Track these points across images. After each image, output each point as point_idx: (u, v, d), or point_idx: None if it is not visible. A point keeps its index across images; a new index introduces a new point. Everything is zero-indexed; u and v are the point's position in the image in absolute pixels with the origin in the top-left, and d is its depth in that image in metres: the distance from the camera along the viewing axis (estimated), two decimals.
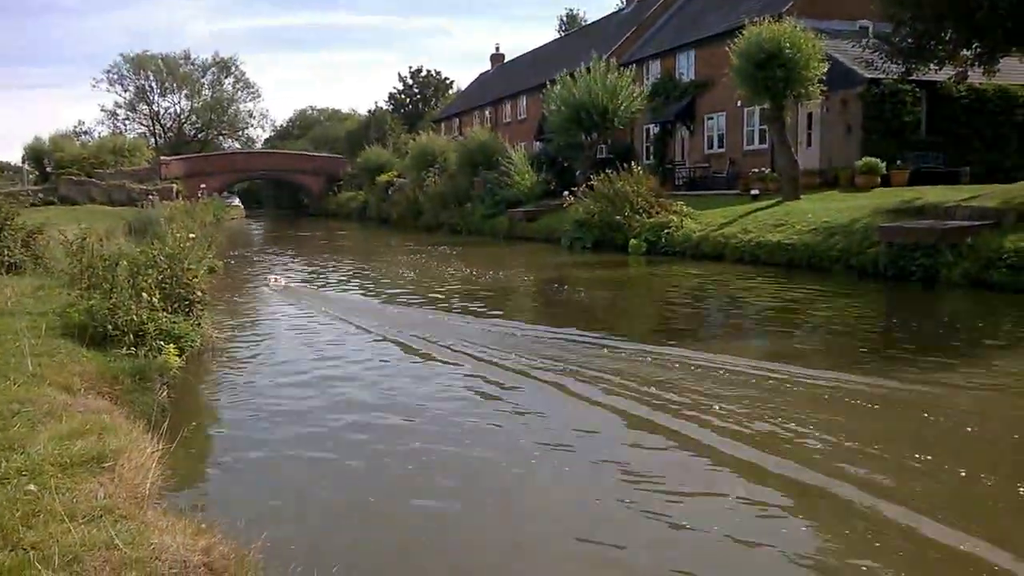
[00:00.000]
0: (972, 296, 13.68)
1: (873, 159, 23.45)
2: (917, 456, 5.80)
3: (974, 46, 18.18)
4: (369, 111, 76.54)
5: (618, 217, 23.58)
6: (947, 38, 17.98)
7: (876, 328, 11.79)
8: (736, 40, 22.95)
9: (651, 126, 36.49)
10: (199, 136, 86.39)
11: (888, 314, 13.12)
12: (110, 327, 8.22)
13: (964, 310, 12.99)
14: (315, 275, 20.07)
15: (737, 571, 4.39)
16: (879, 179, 23.23)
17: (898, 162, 23.98)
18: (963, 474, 5.51)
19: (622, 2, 51.26)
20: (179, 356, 8.40)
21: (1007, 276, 13.71)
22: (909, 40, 18.46)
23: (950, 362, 8.85)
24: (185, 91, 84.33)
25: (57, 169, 47.33)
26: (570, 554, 4.56)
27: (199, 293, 10.01)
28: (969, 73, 20.01)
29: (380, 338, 11.01)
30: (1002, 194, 16.79)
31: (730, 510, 5.02)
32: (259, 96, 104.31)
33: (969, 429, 6.60)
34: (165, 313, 9.05)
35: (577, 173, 30.69)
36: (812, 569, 4.33)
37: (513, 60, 61.91)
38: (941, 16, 17.20)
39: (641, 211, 23.50)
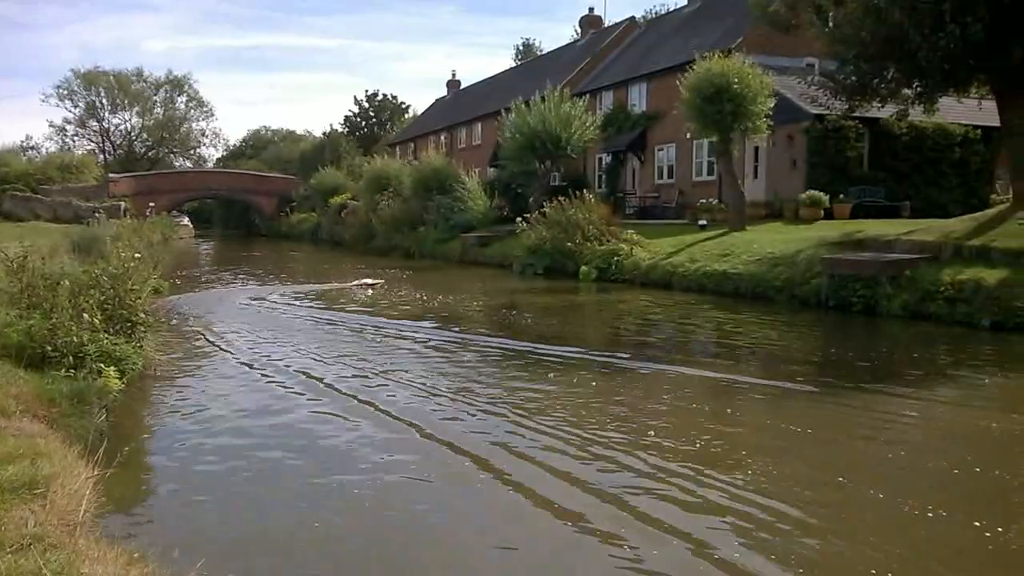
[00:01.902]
0: (910, 327, 14.08)
1: (817, 192, 24.08)
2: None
3: (915, 85, 18.85)
4: (324, 133, 76.21)
5: (570, 244, 23.80)
6: (889, 77, 18.64)
7: (812, 355, 12.08)
8: (686, 74, 23.46)
9: (603, 155, 37.02)
10: (149, 154, 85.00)
11: (825, 343, 13.44)
12: (49, 348, 8.06)
13: (901, 340, 13.36)
14: (263, 298, 19.83)
15: None
16: (823, 212, 23.84)
17: (841, 196, 24.64)
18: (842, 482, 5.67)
19: (577, 34, 52.13)
20: (119, 379, 8.24)
21: (943, 308, 14.16)
22: (853, 78, 19.09)
23: (879, 388, 9.10)
24: (136, 108, 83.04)
25: (2, 184, 46.17)
26: None
27: (142, 314, 9.86)
28: (910, 111, 20.70)
29: (325, 360, 10.93)
30: (940, 228, 17.35)
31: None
32: (212, 115, 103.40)
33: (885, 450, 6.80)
34: (107, 335, 8.90)
35: (530, 200, 30.93)
36: None
37: (469, 86, 62.37)
38: (884, 56, 17.84)
39: (592, 238, 23.76)
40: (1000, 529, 5.22)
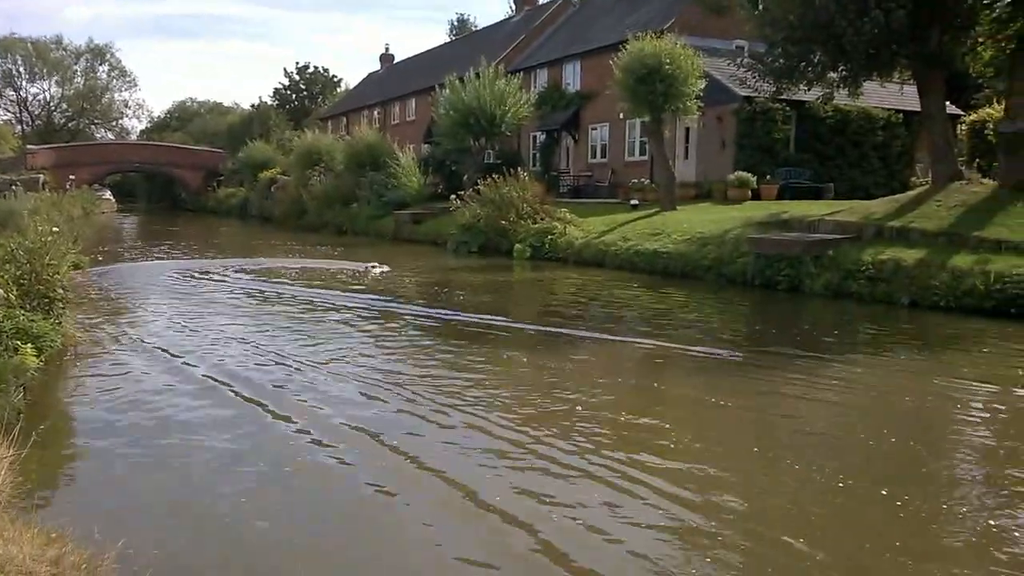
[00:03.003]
0: (832, 304, 14.52)
1: (745, 173, 24.56)
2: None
3: (840, 69, 19.30)
4: (253, 106, 74.38)
5: (504, 222, 23.79)
6: (816, 60, 19.04)
7: (737, 329, 12.38)
8: (620, 54, 23.59)
9: (538, 134, 37.04)
10: (69, 125, 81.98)
11: (750, 318, 13.78)
12: None
13: (823, 317, 13.77)
14: (191, 274, 19.36)
15: None
16: (750, 193, 24.35)
17: (768, 177, 25.20)
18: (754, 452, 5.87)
19: (512, 10, 51.84)
20: (37, 357, 7.98)
21: (865, 287, 14.63)
22: (781, 61, 19.44)
23: (799, 361, 9.38)
24: (56, 77, 79.98)
25: None
26: None
27: (60, 290, 9.55)
28: (835, 95, 21.21)
29: (247, 340, 10.74)
30: (862, 210, 17.87)
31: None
32: (135, 85, 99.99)
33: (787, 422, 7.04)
34: (23, 311, 8.60)
35: (464, 177, 30.80)
36: None
37: (403, 61, 61.59)
38: (811, 39, 18.22)
39: (526, 217, 23.80)
40: (907, 496, 5.45)
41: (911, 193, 18.80)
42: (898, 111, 27.59)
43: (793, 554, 4.64)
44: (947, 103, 20.09)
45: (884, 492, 5.54)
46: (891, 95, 25.81)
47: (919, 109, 20.32)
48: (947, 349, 10.91)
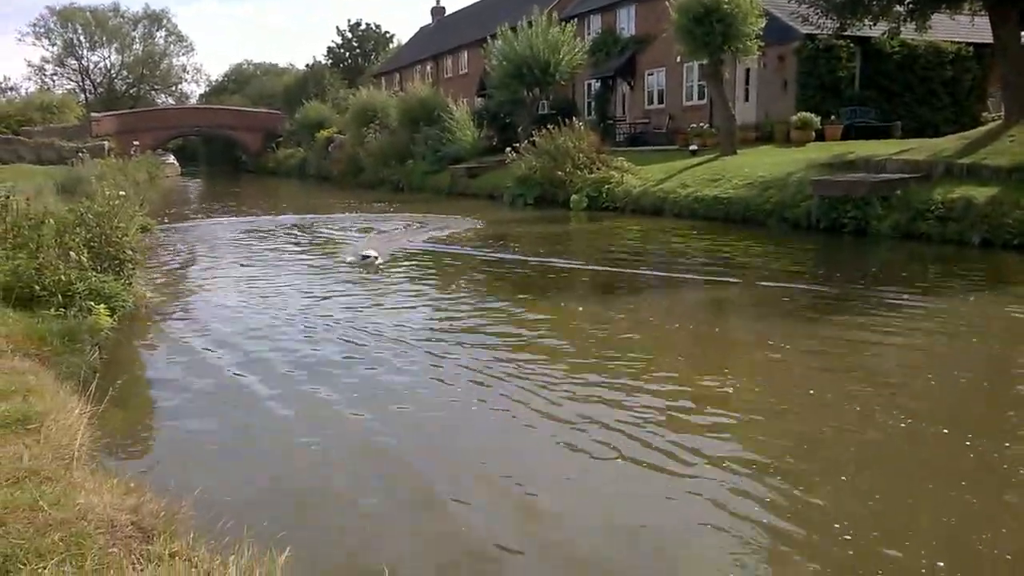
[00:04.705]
0: (901, 246, 14.11)
1: (808, 114, 23.82)
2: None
3: (907, 2, 18.50)
4: (307, 65, 74.84)
5: (559, 173, 23.59)
6: None
7: (800, 274, 12.13)
8: None
9: (592, 81, 36.44)
10: (131, 92, 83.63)
11: (814, 263, 13.47)
12: (37, 287, 8.03)
13: (890, 258, 13.39)
14: (254, 235, 19.72)
15: None
16: (814, 134, 23.63)
17: (832, 117, 24.41)
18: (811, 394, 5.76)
19: None
20: (110, 316, 8.23)
21: (934, 227, 14.19)
22: None
23: (866, 303, 9.17)
24: (115, 45, 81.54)
25: None
26: None
27: (130, 252, 9.80)
28: (902, 29, 20.35)
29: (311, 293, 10.92)
30: (931, 148, 17.25)
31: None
32: (192, 50, 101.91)
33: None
34: (95, 273, 8.86)
35: (519, 129, 30.54)
36: None
37: (454, 14, 60.93)
38: None
39: (582, 167, 23.55)
40: (973, 437, 5.31)
41: (982, 129, 18.06)
42: (969, 44, 26.35)
43: (852, 494, 4.57)
44: (1022, 33, 19.09)
45: (945, 431, 5.43)
46: (961, 27, 24.67)
47: (991, 41, 19.36)
48: (1021, 288, 10.52)
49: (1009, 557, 3.94)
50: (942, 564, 3.85)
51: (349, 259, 13.58)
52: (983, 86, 27.26)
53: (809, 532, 4.18)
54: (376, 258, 13.13)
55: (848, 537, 4.11)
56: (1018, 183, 14.16)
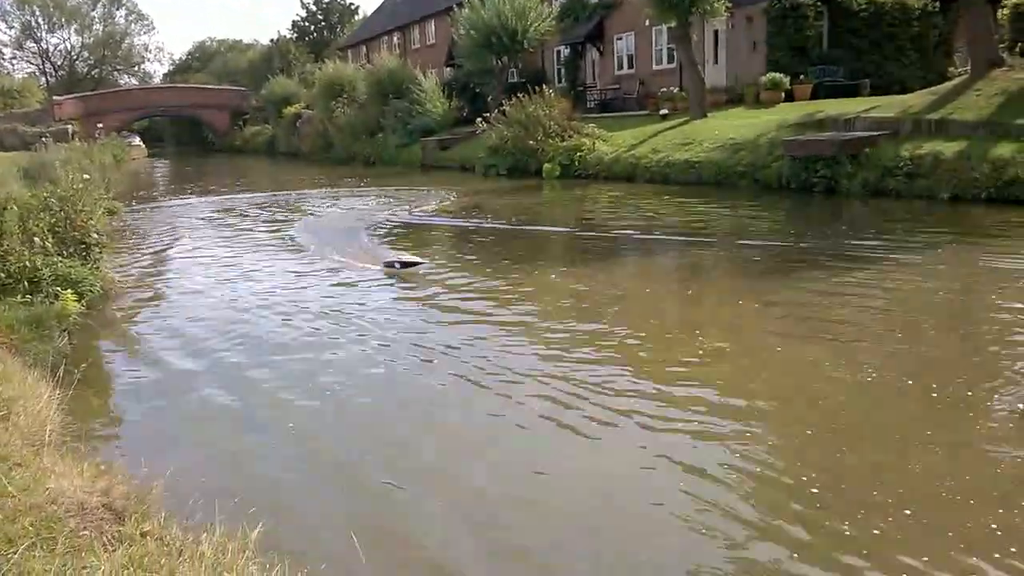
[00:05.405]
0: (871, 203, 14.21)
1: (777, 75, 23.78)
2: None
3: None
4: (272, 40, 73.61)
5: (531, 142, 23.47)
6: None
7: (770, 233, 12.20)
8: None
9: (561, 48, 36.12)
10: (92, 74, 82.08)
11: (784, 222, 13.54)
12: (2, 275, 7.91)
13: (859, 216, 13.48)
14: (223, 214, 19.50)
15: None
16: (783, 94, 23.61)
17: (801, 77, 24.38)
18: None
19: None
20: (78, 301, 8.12)
21: (903, 183, 14.29)
22: None
23: (836, 258, 9.26)
24: (75, 26, 79.83)
25: None
26: None
27: (96, 236, 9.66)
28: None
29: (275, 273, 10.84)
30: (899, 104, 17.31)
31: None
32: (153, 28, 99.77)
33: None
34: (60, 258, 8.74)
35: (489, 99, 30.31)
36: None
37: None
38: None
39: (554, 135, 23.44)
40: (938, 386, 5.39)
41: (949, 84, 18.12)
42: None
43: (820, 444, 4.64)
44: None
45: (911, 383, 5.52)
46: None
47: None
48: (989, 240, 10.63)
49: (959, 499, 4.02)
50: (909, 512, 3.92)
51: (390, 263, 10.57)
52: (949, 41, 27.31)
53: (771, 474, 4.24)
54: (420, 264, 10.51)
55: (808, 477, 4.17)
56: (985, 137, 14.26)
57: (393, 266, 10.46)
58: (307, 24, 73.11)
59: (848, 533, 3.77)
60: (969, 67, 18.97)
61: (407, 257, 10.79)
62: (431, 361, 6.68)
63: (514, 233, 13.25)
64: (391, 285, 9.81)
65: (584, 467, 4.66)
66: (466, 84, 34.59)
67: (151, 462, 4.16)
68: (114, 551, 3.04)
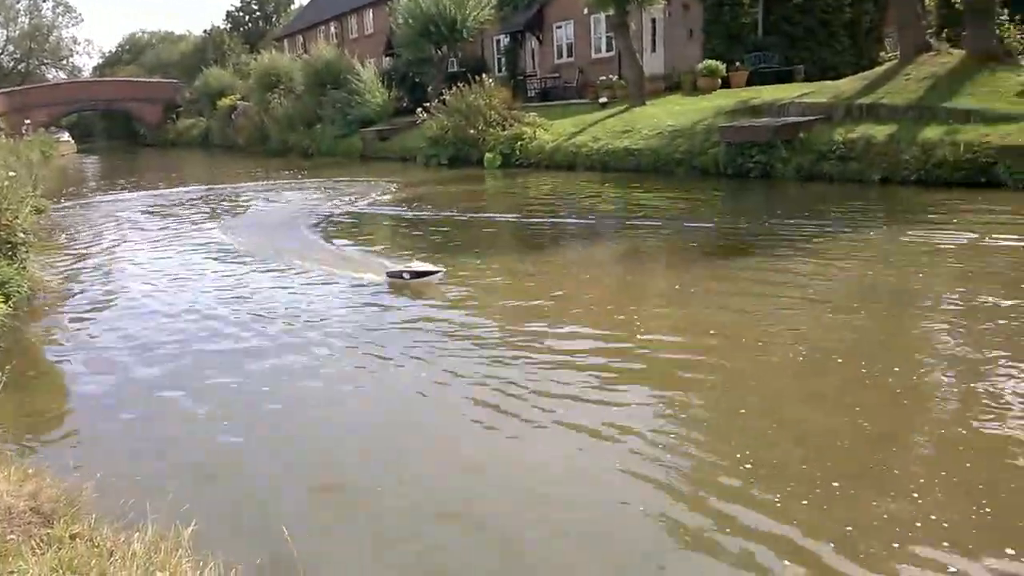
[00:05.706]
0: (804, 188, 14.50)
1: (714, 62, 24.09)
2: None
3: None
4: (205, 31, 71.97)
5: (472, 132, 23.39)
6: None
7: (706, 219, 12.37)
8: None
9: (501, 37, 36.05)
10: (19, 68, 79.35)
11: (719, 208, 13.73)
12: None
13: (793, 200, 13.72)
14: (157, 211, 19.03)
15: None
16: (720, 81, 23.93)
17: (737, 64, 24.73)
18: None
19: None
20: (4, 303, 7.86)
21: (836, 167, 14.61)
22: None
23: (771, 243, 9.43)
24: None
25: None
26: None
27: (22, 235, 9.34)
28: None
29: (211, 272, 10.63)
30: (832, 90, 17.65)
31: None
32: (81, 20, 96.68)
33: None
34: None
35: (429, 88, 30.10)
36: None
37: None
38: None
39: (495, 124, 23.40)
40: (868, 366, 5.54)
41: (879, 69, 18.53)
42: None
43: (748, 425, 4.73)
44: None
45: (840, 361, 5.66)
46: None
47: None
48: (918, 219, 10.92)
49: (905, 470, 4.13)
50: (836, 484, 4.02)
51: (396, 274, 8.98)
52: (880, 27, 27.97)
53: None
54: (436, 273, 8.86)
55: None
56: (914, 120, 14.64)
57: (401, 277, 8.77)
58: (242, 15, 71.74)
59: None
60: (899, 52, 19.45)
61: (418, 265, 8.92)
62: (355, 348, 6.62)
63: (460, 222, 13.17)
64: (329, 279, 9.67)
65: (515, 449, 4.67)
66: (405, 74, 34.32)
67: (82, 464, 4.04)
68: (43, 554, 2.95)
